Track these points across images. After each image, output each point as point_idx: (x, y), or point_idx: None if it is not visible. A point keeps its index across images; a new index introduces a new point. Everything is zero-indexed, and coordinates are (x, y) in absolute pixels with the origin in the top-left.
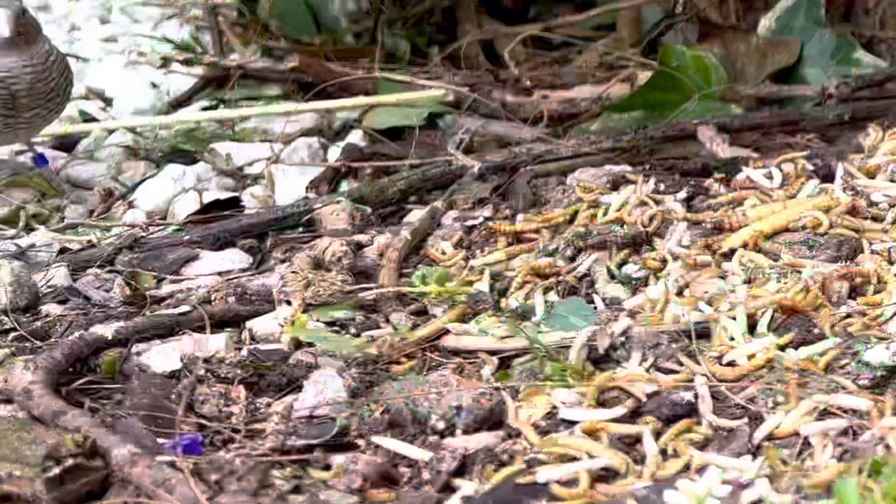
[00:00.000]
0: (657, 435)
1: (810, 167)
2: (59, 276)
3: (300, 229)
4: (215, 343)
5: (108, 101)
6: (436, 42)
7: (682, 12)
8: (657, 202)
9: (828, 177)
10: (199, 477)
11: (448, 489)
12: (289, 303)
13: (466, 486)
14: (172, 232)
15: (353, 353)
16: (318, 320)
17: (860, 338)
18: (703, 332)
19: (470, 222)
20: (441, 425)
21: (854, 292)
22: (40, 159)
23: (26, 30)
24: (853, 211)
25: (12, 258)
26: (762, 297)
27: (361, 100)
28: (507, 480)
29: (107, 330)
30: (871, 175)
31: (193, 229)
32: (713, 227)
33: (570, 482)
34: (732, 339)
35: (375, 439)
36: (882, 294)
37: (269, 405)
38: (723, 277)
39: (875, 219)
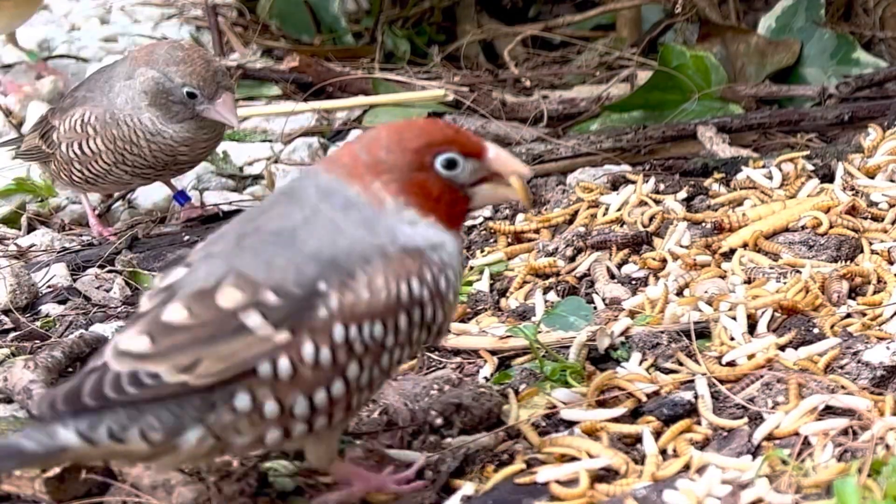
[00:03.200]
0: (657, 435)
1: (810, 167)
2: (59, 276)
3: None
4: None
5: None
6: (436, 42)
7: (682, 12)
8: (657, 202)
9: (828, 177)
10: (199, 477)
11: (448, 489)
12: None
13: (466, 486)
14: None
15: None
16: None
17: (860, 338)
18: (703, 332)
19: (470, 222)
20: (440, 423)
21: (854, 292)
22: (181, 196)
23: None
24: (853, 211)
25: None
26: (762, 297)
27: (361, 100)
28: (507, 480)
29: (107, 330)
30: (871, 175)
31: (193, 230)
32: (713, 227)
33: (570, 482)
34: (732, 339)
35: (375, 439)
36: (882, 294)
37: None
38: (723, 277)
39: (875, 219)
